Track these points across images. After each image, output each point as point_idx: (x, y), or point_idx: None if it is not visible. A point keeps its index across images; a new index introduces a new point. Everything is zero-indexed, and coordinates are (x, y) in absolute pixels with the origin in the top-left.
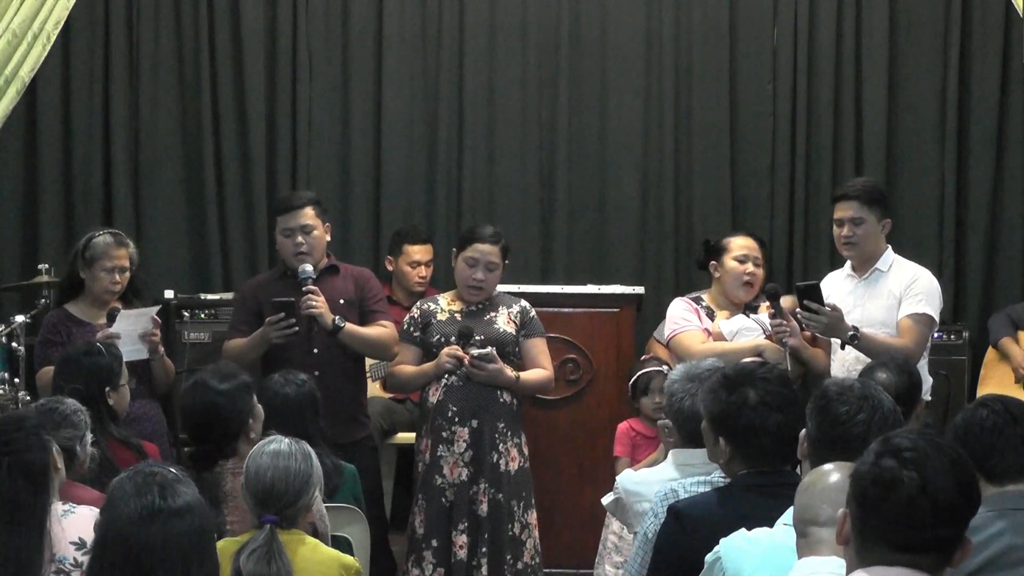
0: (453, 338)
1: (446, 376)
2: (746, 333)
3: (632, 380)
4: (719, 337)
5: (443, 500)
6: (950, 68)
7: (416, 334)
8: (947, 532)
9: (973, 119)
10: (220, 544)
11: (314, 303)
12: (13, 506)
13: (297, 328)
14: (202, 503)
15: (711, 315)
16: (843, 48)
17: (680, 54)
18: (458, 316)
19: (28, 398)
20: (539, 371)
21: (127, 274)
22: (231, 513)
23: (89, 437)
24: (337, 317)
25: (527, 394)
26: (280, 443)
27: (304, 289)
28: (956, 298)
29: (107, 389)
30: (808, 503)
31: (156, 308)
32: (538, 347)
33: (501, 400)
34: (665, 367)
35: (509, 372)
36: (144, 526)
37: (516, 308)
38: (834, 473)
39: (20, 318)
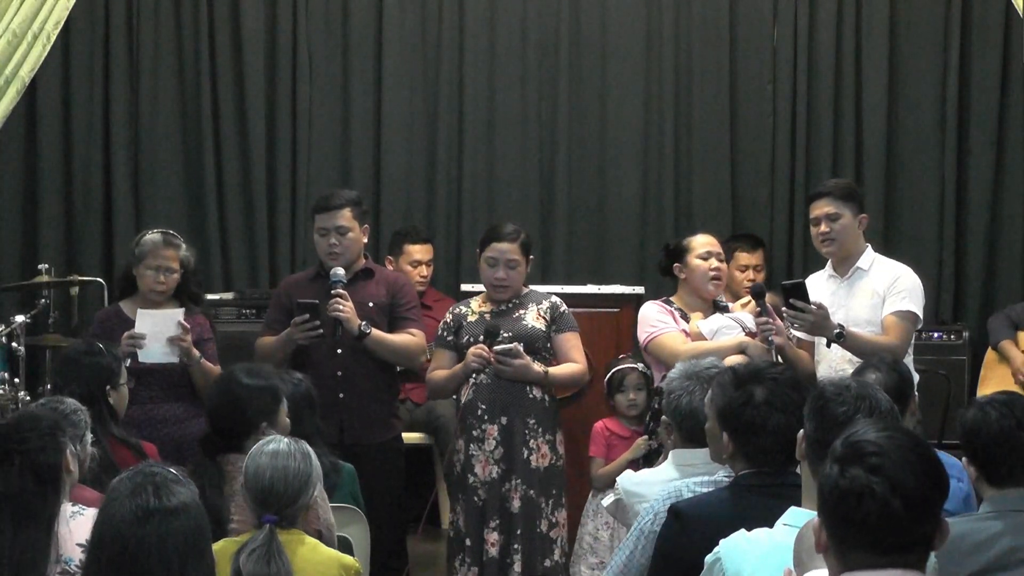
0: (480, 337)
1: (475, 375)
2: (727, 331)
3: (607, 377)
4: (698, 337)
5: (476, 499)
6: (950, 68)
7: (450, 339)
8: (923, 525)
9: (973, 119)
10: (220, 544)
11: (340, 307)
12: (21, 505)
13: (321, 330)
14: (198, 503)
15: (685, 317)
16: (843, 48)
17: (680, 54)
18: (487, 316)
19: (28, 398)
20: (570, 365)
21: (175, 276)
22: (237, 512)
23: (89, 437)
24: (363, 323)
25: (559, 388)
26: (279, 443)
27: (332, 293)
28: (956, 298)
29: (107, 388)
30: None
31: (181, 311)
32: (570, 341)
33: (531, 396)
34: (640, 364)
35: (537, 367)
36: (139, 526)
37: (546, 304)
38: None
39: (20, 318)
